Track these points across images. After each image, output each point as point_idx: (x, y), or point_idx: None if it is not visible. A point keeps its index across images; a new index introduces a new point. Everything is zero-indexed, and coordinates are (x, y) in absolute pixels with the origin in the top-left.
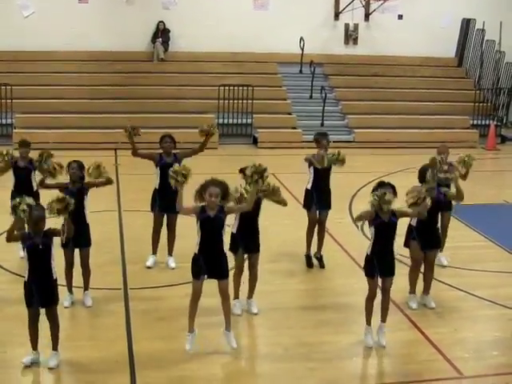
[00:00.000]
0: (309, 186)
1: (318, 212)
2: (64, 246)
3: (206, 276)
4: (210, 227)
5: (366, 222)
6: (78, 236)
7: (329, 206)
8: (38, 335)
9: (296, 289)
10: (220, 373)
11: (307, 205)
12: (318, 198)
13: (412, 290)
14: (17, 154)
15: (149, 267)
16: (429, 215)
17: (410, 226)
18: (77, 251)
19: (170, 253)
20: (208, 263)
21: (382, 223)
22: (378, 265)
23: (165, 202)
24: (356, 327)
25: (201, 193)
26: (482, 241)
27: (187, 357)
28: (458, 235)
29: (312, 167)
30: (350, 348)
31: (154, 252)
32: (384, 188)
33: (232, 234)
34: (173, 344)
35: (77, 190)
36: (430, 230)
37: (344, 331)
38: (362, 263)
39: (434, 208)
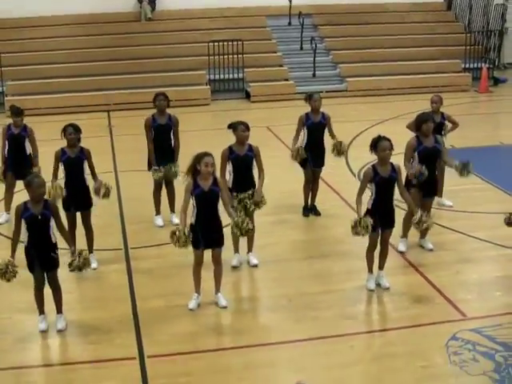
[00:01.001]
0: (303, 145)
1: (312, 170)
2: (66, 209)
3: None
4: (205, 201)
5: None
6: (79, 199)
7: (322, 164)
8: (44, 299)
9: (296, 239)
10: (225, 326)
11: (302, 163)
12: (312, 157)
13: (404, 235)
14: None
15: (161, 226)
16: (427, 165)
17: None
18: (78, 214)
19: (173, 209)
20: (205, 234)
21: (382, 179)
22: (380, 218)
23: (161, 160)
24: (357, 274)
25: (194, 165)
26: (479, 183)
27: (191, 313)
28: (456, 178)
29: (305, 126)
30: (353, 295)
31: (158, 212)
32: (382, 141)
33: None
34: (176, 301)
35: (75, 156)
36: (429, 178)
37: (346, 279)
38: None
39: (431, 157)
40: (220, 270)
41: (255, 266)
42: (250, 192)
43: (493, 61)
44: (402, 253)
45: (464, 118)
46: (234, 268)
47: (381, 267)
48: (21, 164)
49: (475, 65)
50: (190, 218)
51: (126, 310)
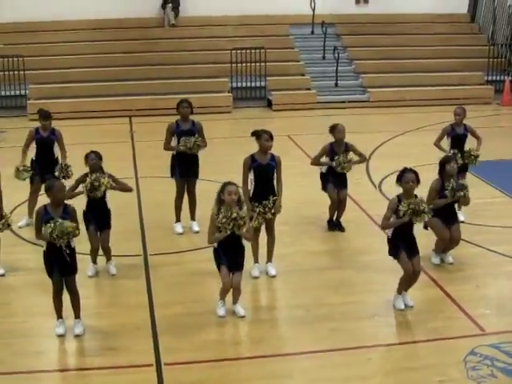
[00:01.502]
0: (323, 170)
1: (336, 191)
2: (87, 229)
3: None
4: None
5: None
6: (100, 220)
7: (346, 186)
8: (62, 304)
9: (315, 250)
10: (243, 336)
11: (325, 187)
12: (334, 181)
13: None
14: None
15: (180, 233)
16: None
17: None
18: None
19: (193, 217)
20: (228, 257)
21: None
22: (404, 247)
23: (184, 167)
24: (377, 286)
25: (219, 196)
26: (500, 196)
27: (209, 321)
28: (477, 192)
29: (329, 157)
30: (371, 307)
31: (178, 219)
32: (407, 173)
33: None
34: (194, 308)
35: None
36: (449, 209)
37: (364, 291)
38: (380, 222)
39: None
40: (239, 292)
41: (273, 276)
42: (268, 202)
43: None
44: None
45: (486, 131)
46: (254, 278)
47: (406, 289)
48: (48, 168)
49: (498, 77)
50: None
51: (144, 316)
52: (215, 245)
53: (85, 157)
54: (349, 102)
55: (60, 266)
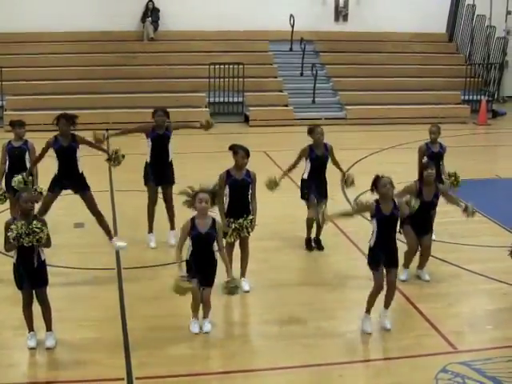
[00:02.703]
0: (305, 176)
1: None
2: None
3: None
4: (200, 244)
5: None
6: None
7: (326, 196)
8: (33, 316)
9: (288, 266)
10: (214, 351)
11: (305, 196)
12: (316, 190)
13: (405, 265)
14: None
15: (153, 247)
16: (423, 214)
17: None
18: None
19: (172, 227)
20: (199, 272)
21: (384, 217)
22: (384, 257)
23: (158, 174)
24: (350, 304)
25: (191, 200)
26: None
27: (181, 336)
28: (451, 210)
29: (308, 159)
30: (344, 324)
31: (151, 229)
32: (380, 182)
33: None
34: (167, 323)
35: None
36: (423, 216)
37: (337, 307)
38: (356, 240)
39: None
40: (209, 307)
41: (247, 291)
42: (245, 221)
43: (492, 93)
44: (403, 281)
45: (461, 150)
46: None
47: (386, 306)
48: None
49: (475, 97)
50: (186, 255)
51: (117, 330)
52: (187, 257)
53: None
54: (326, 119)
55: (30, 278)
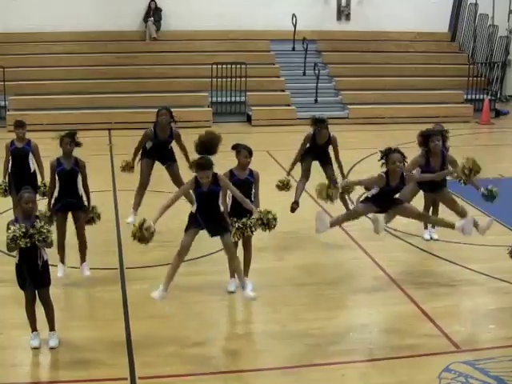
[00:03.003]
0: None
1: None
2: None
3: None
4: (205, 200)
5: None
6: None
7: (330, 162)
8: (36, 316)
9: (291, 265)
10: (218, 350)
11: (302, 160)
12: (315, 156)
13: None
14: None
15: (129, 223)
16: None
17: None
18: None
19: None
20: (208, 225)
21: (390, 189)
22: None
23: (159, 155)
24: (352, 303)
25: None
26: (477, 215)
27: (185, 335)
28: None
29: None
30: (347, 323)
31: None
32: (391, 157)
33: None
34: (170, 323)
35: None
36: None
37: (340, 307)
38: (357, 238)
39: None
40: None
41: (250, 292)
42: (246, 220)
43: (495, 93)
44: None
45: (464, 150)
46: (230, 293)
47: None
48: (23, 179)
49: (477, 96)
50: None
51: (120, 329)
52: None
53: (60, 138)
54: (328, 118)
55: (33, 278)
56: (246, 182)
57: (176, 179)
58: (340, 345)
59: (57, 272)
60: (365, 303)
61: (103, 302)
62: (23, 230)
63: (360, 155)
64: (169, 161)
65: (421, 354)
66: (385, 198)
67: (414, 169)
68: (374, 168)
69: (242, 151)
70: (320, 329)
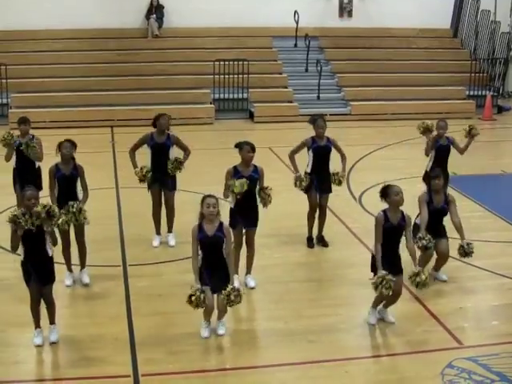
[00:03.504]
0: (308, 170)
1: (318, 196)
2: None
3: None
4: (209, 246)
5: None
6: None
7: (330, 190)
8: (40, 313)
9: (294, 262)
10: (221, 347)
11: (306, 189)
12: (318, 182)
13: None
14: (17, 132)
15: (155, 246)
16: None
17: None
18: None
19: (170, 229)
20: (212, 279)
21: (391, 226)
22: (387, 266)
23: (160, 179)
24: (355, 299)
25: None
26: (479, 211)
27: (187, 333)
28: (457, 206)
29: (310, 150)
30: (350, 320)
31: (158, 232)
32: (392, 189)
33: (230, 209)
34: (172, 320)
35: (69, 173)
36: (436, 221)
37: (343, 303)
38: (361, 236)
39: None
40: (224, 311)
41: (252, 288)
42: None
43: (497, 89)
44: None
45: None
46: None
47: (386, 306)
48: (28, 177)
49: (480, 92)
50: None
51: (122, 327)
52: (199, 265)
53: (58, 144)
54: (330, 114)
55: (38, 274)
56: (251, 179)
57: (168, 206)
58: (343, 341)
59: (61, 272)
60: (368, 300)
61: (106, 299)
62: (22, 211)
63: (362, 151)
64: (172, 189)
65: (424, 351)
66: (393, 237)
67: (425, 207)
68: (376, 164)
69: (245, 147)
70: (323, 325)
